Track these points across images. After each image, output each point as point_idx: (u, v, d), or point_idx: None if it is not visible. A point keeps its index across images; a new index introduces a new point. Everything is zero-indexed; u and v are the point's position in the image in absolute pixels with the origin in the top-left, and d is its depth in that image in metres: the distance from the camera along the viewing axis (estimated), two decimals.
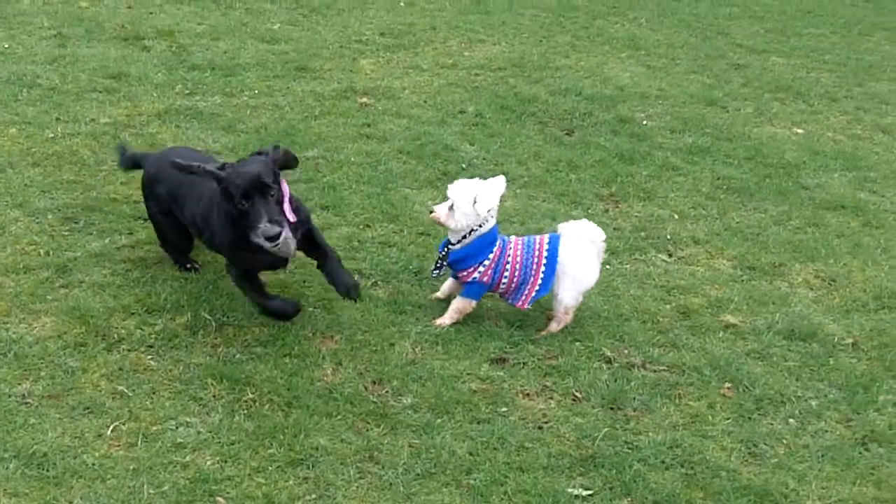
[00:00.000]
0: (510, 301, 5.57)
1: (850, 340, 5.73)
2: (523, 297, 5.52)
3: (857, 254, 6.75)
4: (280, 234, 4.83)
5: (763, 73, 10.58)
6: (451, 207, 5.44)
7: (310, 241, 5.38)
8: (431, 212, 5.52)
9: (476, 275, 5.47)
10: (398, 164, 7.42)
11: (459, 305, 5.53)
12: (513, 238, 5.60)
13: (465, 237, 5.46)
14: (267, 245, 4.85)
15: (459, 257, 5.49)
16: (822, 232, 7.04)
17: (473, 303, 5.55)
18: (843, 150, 8.61)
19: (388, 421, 4.72)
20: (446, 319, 5.52)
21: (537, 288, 5.49)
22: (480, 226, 5.45)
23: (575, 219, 5.79)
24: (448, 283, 5.72)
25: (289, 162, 5.15)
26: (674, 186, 7.53)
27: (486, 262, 5.46)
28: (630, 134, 8.44)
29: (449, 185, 5.54)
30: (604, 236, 5.60)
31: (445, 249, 5.54)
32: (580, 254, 5.50)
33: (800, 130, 9.01)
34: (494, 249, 5.48)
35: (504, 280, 5.50)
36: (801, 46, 11.96)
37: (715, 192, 7.50)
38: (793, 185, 7.77)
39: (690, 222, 7.00)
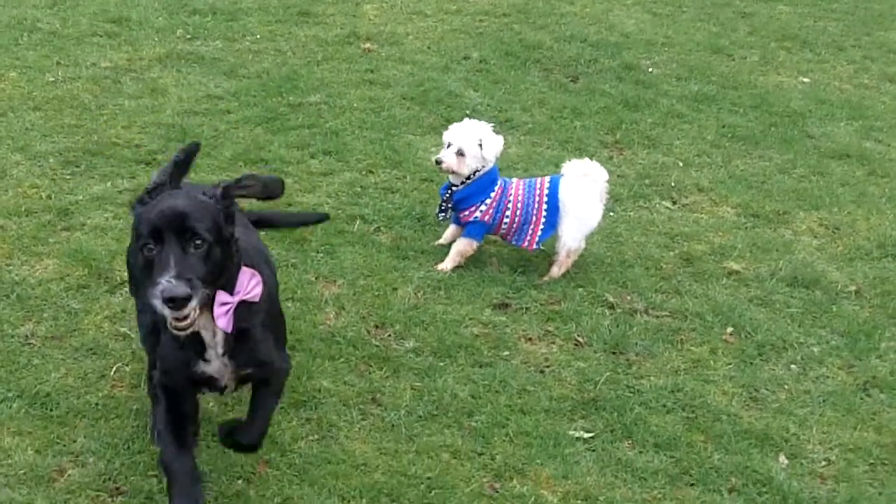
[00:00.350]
0: (514, 242, 5.57)
1: (852, 288, 5.72)
2: (528, 238, 5.52)
3: (861, 202, 6.73)
4: (187, 301, 3.22)
5: (769, 21, 10.48)
6: (458, 153, 5.42)
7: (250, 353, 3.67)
8: (439, 162, 5.48)
9: (478, 214, 5.47)
10: (401, 110, 7.37)
11: (461, 247, 5.53)
12: (515, 179, 5.60)
13: (468, 178, 5.44)
14: (165, 312, 3.24)
15: (461, 197, 5.50)
16: (826, 180, 7.01)
17: (475, 244, 5.55)
18: (850, 99, 8.55)
19: (390, 364, 4.73)
20: (448, 263, 5.51)
21: (541, 227, 5.49)
22: (482, 167, 5.44)
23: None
24: (450, 230, 5.72)
25: (269, 192, 3.63)
26: (679, 134, 7.49)
27: (488, 202, 5.47)
28: (635, 81, 8.38)
29: (445, 132, 5.52)
30: (606, 176, 5.59)
31: (448, 192, 5.52)
32: (583, 194, 5.50)
33: (806, 79, 8.94)
34: (496, 189, 5.48)
35: (506, 220, 5.50)
36: None
37: (720, 140, 7.45)
38: (798, 134, 7.73)
39: (695, 170, 6.97)
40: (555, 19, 9.68)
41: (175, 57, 7.89)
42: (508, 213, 5.49)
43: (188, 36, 8.35)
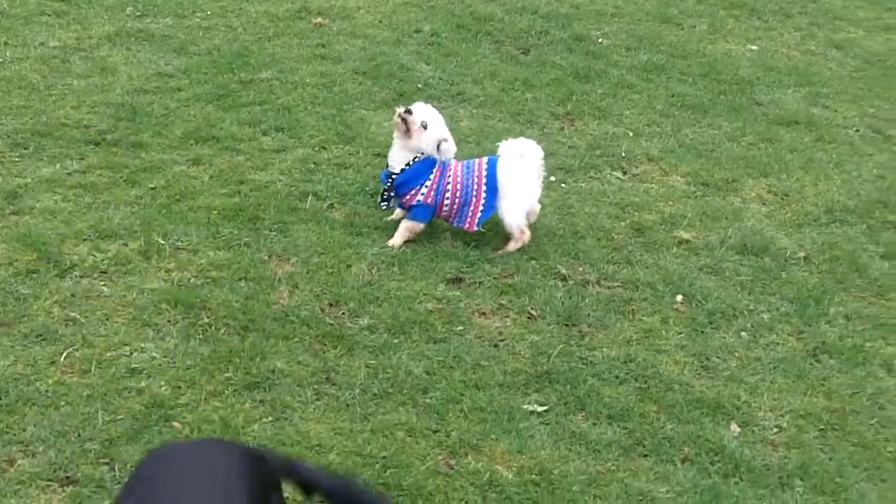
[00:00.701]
0: (456, 224, 5.60)
1: (801, 254, 5.79)
2: (468, 220, 5.55)
3: (809, 168, 6.80)
4: None
5: None
6: (423, 125, 5.46)
7: None
8: (409, 112, 5.48)
9: (420, 197, 5.49)
10: (353, 84, 7.35)
11: (408, 225, 5.55)
12: (453, 161, 5.63)
13: (407, 165, 5.49)
14: None
15: (400, 182, 5.53)
16: (775, 147, 7.07)
17: (422, 224, 5.56)
18: (797, 66, 8.61)
19: (344, 342, 4.74)
20: (397, 239, 5.53)
21: (481, 209, 5.52)
22: (418, 156, 5.51)
23: (528, 137, 5.80)
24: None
25: None
26: (629, 104, 7.52)
27: (428, 184, 5.50)
28: (585, 52, 8.39)
29: (416, 105, 5.55)
30: (542, 154, 5.63)
31: (389, 181, 5.54)
32: (519, 174, 5.54)
33: (754, 47, 9.00)
34: (434, 171, 5.51)
35: (446, 202, 5.52)
36: None
37: (669, 110, 7.50)
38: (747, 102, 7.78)
39: (645, 140, 7.01)
40: None
41: (125, 35, 7.80)
42: (448, 194, 5.52)
43: (138, 13, 8.26)
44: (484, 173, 5.54)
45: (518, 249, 5.56)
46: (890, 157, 7.11)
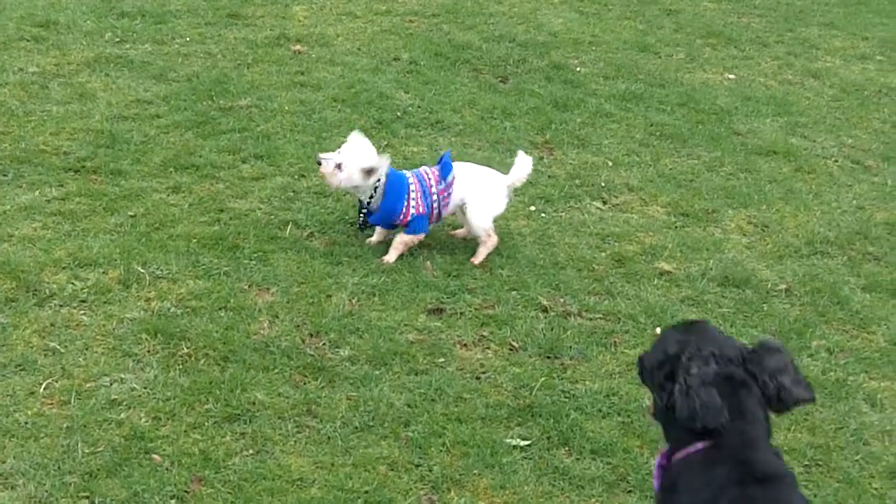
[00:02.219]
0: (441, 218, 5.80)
1: (783, 286, 5.80)
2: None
3: (789, 199, 6.83)
4: None
5: (694, 18, 10.60)
6: (338, 166, 5.52)
7: None
8: (318, 163, 5.57)
9: (412, 211, 5.55)
10: (332, 112, 7.34)
11: (405, 239, 5.62)
12: (424, 167, 5.79)
13: (372, 195, 5.57)
14: None
15: (388, 211, 5.57)
16: (754, 178, 7.11)
17: (422, 235, 5.67)
18: (775, 95, 8.67)
19: (325, 374, 4.71)
20: (392, 255, 5.59)
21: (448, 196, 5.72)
22: (380, 179, 5.56)
23: (506, 167, 5.94)
24: (379, 229, 5.77)
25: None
26: (608, 133, 7.54)
27: (413, 196, 5.57)
28: (564, 81, 8.42)
29: (336, 152, 5.62)
30: (527, 172, 5.88)
31: (364, 211, 5.65)
32: (487, 181, 5.78)
33: (731, 76, 9.05)
34: (411, 181, 5.60)
35: (435, 204, 5.65)
36: None
37: (648, 139, 7.52)
38: (725, 131, 7.82)
39: (624, 169, 7.02)
40: (483, 19, 9.70)
41: (104, 61, 7.78)
42: (435, 196, 5.65)
43: (117, 39, 8.23)
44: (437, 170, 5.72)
45: (488, 253, 5.68)
46: (869, 187, 7.16)
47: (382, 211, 5.58)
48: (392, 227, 5.67)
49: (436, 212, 5.68)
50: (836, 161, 7.54)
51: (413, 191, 5.57)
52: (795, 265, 6.05)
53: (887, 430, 4.78)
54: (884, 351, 5.35)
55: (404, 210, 5.55)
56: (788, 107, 8.43)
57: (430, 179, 5.65)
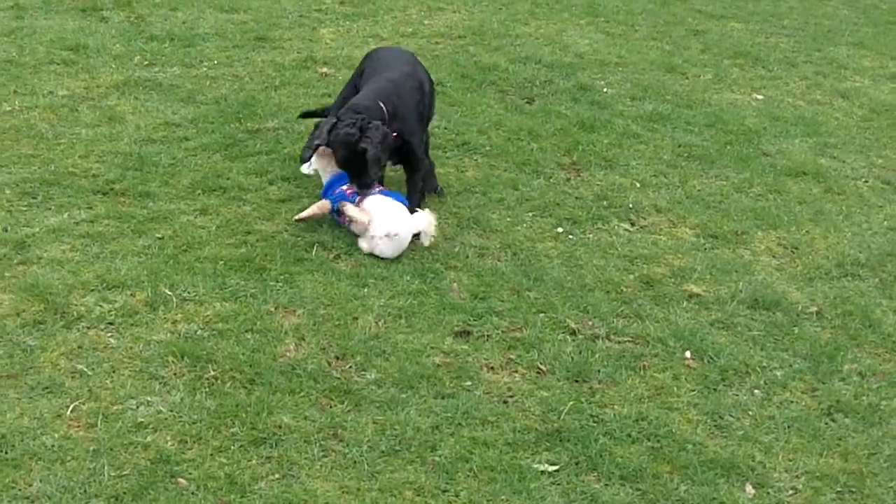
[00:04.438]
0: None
1: (813, 309, 5.74)
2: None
3: (819, 221, 6.77)
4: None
5: (722, 38, 10.56)
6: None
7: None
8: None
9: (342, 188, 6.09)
10: None
11: (321, 204, 6.10)
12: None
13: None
14: None
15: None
16: (783, 199, 7.05)
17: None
18: (803, 115, 8.62)
19: (351, 397, 4.69)
20: (306, 213, 6.05)
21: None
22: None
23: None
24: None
25: None
26: (635, 154, 7.51)
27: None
28: (590, 102, 8.40)
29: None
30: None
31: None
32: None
33: (759, 96, 9.01)
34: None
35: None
36: (759, 11, 11.94)
37: (676, 160, 7.48)
38: (753, 152, 7.77)
39: (652, 190, 6.98)
40: (509, 41, 9.70)
41: (133, 84, 7.82)
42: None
43: (145, 62, 8.28)
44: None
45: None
46: None
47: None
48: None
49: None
50: (867, 182, 7.47)
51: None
52: (826, 287, 5.99)
53: None
54: None
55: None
56: (817, 127, 8.38)
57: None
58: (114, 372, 4.72)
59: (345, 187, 6.02)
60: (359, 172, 5.88)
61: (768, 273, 6.08)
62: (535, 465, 4.38)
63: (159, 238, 5.80)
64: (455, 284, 5.62)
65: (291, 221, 5.98)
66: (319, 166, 6.14)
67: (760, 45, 10.48)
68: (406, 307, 5.37)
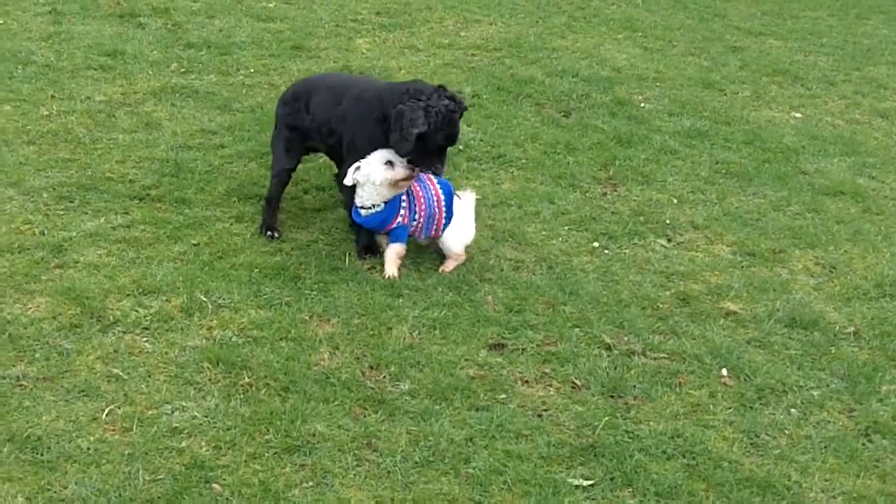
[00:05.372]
0: (423, 236, 5.89)
1: (851, 329, 5.68)
2: (434, 228, 5.84)
3: (857, 240, 6.71)
4: None
5: (760, 55, 10.51)
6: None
7: None
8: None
9: (399, 220, 5.72)
10: None
11: (397, 250, 5.78)
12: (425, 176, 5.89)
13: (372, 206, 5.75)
14: None
15: (379, 221, 5.75)
16: (821, 218, 6.99)
17: (405, 244, 5.80)
18: (842, 134, 8.56)
19: (385, 407, 4.67)
20: (391, 268, 5.74)
21: (444, 217, 5.85)
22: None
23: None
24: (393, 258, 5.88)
25: None
26: (672, 170, 7.47)
27: (402, 210, 5.75)
28: (628, 116, 8.37)
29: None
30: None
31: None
32: (463, 211, 5.95)
33: (798, 115, 8.96)
34: (402, 195, 5.75)
35: (419, 217, 5.80)
36: (798, 29, 11.89)
37: (714, 177, 7.44)
38: (792, 170, 7.72)
39: (689, 207, 6.94)
40: (546, 54, 9.69)
41: (169, 90, 7.86)
42: (417, 209, 5.78)
43: (182, 70, 8.33)
44: (439, 187, 5.86)
45: (456, 266, 5.89)
46: None
47: (376, 220, 5.76)
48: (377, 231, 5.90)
49: (422, 220, 5.82)
50: None
51: (403, 206, 5.72)
52: (864, 308, 5.93)
53: None
54: None
55: (393, 222, 5.73)
56: (856, 146, 8.31)
57: (417, 190, 5.81)
58: (149, 377, 4.73)
59: (400, 218, 5.78)
60: (440, 155, 5.72)
61: (806, 292, 6.03)
62: (570, 480, 4.34)
63: (195, 244, 5.82)
64: (490, 297, 5.60)
65: (386, 277, 5.76)
66: (381, 195, 5.69)
67: (799, 63, 10.42)
68: (440, 318, 5.35)
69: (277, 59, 8.80)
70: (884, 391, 5.17)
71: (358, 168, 5.66)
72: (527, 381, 4.99)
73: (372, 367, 4.95)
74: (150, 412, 4.49)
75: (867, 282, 6.20)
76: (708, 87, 9.35)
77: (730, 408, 4.92)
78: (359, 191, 5.70)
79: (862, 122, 8.95)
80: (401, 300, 5.50)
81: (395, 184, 5.66)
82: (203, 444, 4.34)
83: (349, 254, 5.85)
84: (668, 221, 6.69)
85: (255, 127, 7.36)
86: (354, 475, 4.27)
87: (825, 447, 4.72)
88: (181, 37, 9.04)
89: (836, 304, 5.94)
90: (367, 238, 5.92)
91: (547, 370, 5.08)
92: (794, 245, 6.56)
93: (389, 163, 5.63)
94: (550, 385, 4.99)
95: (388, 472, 4.30)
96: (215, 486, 4.12)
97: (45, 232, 5.79)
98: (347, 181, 5.69)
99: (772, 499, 4.37)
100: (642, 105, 8.67)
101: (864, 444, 4.78)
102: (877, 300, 6.02)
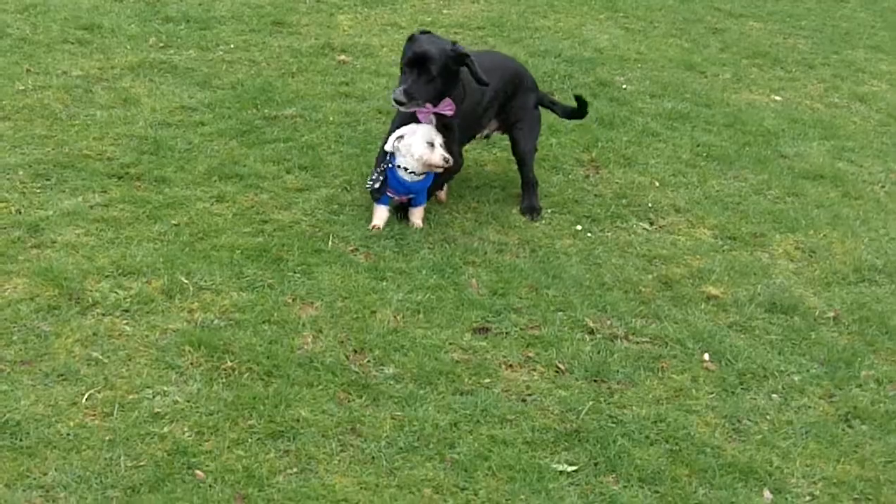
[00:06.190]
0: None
1: (831, 314, 5.70)
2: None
3: (836, 225, 6.72)
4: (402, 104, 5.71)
5: (741, 37, 10.50)
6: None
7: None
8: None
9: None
10: (377, 124, 7.29)
11: (423, 211, 6.07)
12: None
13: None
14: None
15: (420, 186, 5.94)
16: (801, 202, 7.01)
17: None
18: (821, 118, 8.56)
19: (369, 392, 4.65)
20: (420, 222, 6.04)
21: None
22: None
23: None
24: (382, 213, 5.97)
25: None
26: (654, 153, 7.46)
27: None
28: (610, 98, 8.35)
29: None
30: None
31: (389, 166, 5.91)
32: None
33: (778, 98, 8.96)
34: None
35: None
36: (777, 11, 11.87)
37: (695, 160, 7.43)
38: (772, 154, 7.73)
39: (671, 190, 6.94)
40: (529, 33, 9.64)
41: (148, 66, 7.77)
42: None
43: (161, 44, 8.23)
44: None
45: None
46: None
47: (422, 184, 5.96)
48: (385, 201, 5.98)
49: None
50: (884, 187, 7.42)
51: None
52: (843, 292, 5.95)
53: None
54: None
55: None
56: (835, 130, 8.32)
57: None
58: (129, 360, 4.69)
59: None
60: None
61: (786, 276, 6.04)
62: (554, 465, 4.34)
63: (175, 224, 5.77)
64: (474, 280, 5.58)
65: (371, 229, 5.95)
66: (414, 168, 5.87)
67: (779, 45, 10.41)
68: (425, 302, 5.33)
69: (258, 35, 8.72)
70: (863, 377, 5.20)
71: (401, 137, 5.82)
72: (511, 366, 4.98)
73: (356, 351, 4.93)
74: (130, 397, 4.45)
75: (846, 266, 6.22)
76: (689, 68, 9.33)
77: (712, 393, 4.94)
78: (402, 158, 5.86)
79: (840, 106, 8.96)
80: (385, 283, 5.47)
81: (427, 165, 5.81)
82: (185, 429, 4.31)
83: (332, 235, 5.81)
84: (650, 204, 6.68)
85: (236, 104, 7.29)
86: (339, 461, 4.25)
87: (806, 433, 4.74)
88: (159, 10, 8.93)
89: (816, 288, 5.96)
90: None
91: (531, 354, 5.08)
92: (774, 229, 6.57)
93: (430, 144, 5.79)
94: (534, 369, 4.98)
95: (373, 457, 4.29)
96: (198, 472, 4.08)
97: (22, 211, 5.72)
98: (388, 146, 5.85)
99: (754, 484, 4.38)
100: (624, 87, 8.64)
101: (843, 430, 4.80)
102: (856, 285, 6.05)
